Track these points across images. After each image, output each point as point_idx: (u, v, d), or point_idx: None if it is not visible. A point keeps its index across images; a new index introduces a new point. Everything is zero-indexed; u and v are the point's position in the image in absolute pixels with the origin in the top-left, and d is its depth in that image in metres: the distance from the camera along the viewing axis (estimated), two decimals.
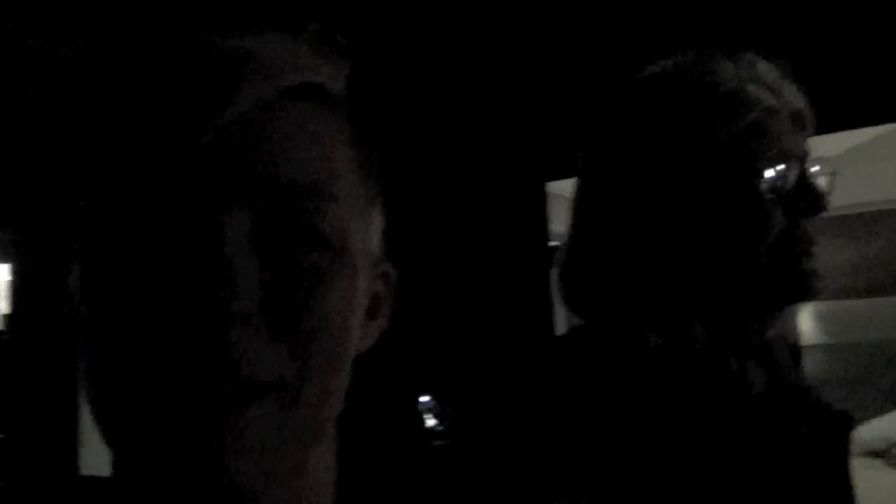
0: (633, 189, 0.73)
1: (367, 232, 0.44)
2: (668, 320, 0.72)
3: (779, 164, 0.71)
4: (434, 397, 2.43)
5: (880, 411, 3.27)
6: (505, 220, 2.16)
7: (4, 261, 3.21)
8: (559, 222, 3.69)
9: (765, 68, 0.75)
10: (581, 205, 0.80)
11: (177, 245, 0.36)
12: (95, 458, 2.94)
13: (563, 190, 2.77)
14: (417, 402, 2.24)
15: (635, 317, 0.73)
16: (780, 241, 0.72)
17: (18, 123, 2.45)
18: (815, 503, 0.71)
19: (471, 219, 2.17)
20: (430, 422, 2.37)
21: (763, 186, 0.71)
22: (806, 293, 0.73)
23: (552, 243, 2.13)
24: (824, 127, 0.80)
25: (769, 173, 0.71)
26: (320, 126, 0.40)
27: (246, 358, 0.35)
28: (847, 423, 0.75)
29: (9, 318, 3.04)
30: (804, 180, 0.72)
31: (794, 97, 0.75)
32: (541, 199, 2.15)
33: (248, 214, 0.37)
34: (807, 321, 3.56)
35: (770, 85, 0.73)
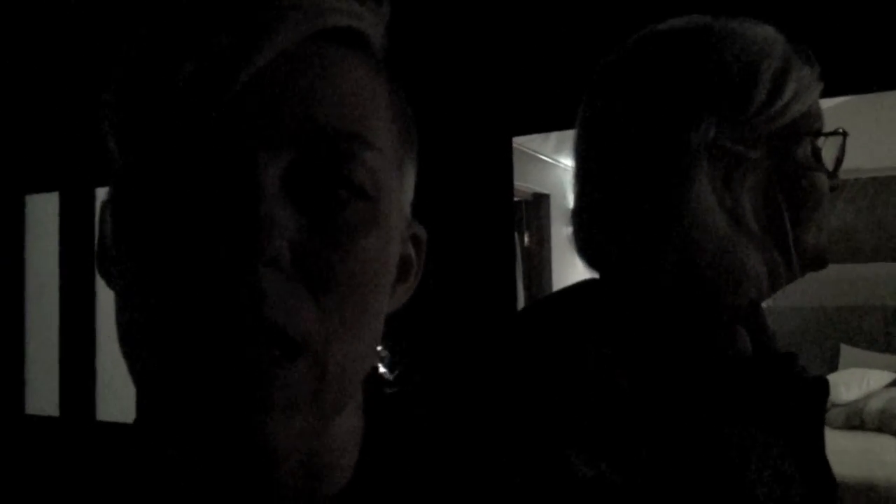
0: (658, 145, 0.70)
1: (402, 190, 0.44)
2: (686, 282, 0.70)
3: (821, 133, 0.72)
4: (385, 347, 2.41)
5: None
6: (471, 174, 2.22)
7: None
8: (522, 178, 3.36)
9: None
10: (593, 155, 0.76)
11: (211, 187, 0.35)
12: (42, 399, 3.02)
13: (522, 145, 3.54)
14: None
15: (650, 272, 0.71)
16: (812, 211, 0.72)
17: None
18: (795, 464, 0.72)
19: (435, 173, 2.26)
20: (382, 370, 2.35)
21: (811, 160, 0.72)
22: (822, 264, 0.75)
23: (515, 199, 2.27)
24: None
25: (818, 142, 0.72)
26: (360, 73, 0.39)
27: (277, 308, 0.34)
28: (824, 388, 0.75)
29: None
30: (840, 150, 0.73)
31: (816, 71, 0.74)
32: (506, 154, 2.26)
33: (284, 158, 0.36)
34: None
35: (797, 58, 0.72)
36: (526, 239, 4.37)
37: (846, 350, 5.14)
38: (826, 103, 0.76)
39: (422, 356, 2.26)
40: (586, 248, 0.79)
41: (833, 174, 0.74)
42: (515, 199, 2.90)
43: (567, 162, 4.52)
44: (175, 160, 0.36)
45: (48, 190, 3.23)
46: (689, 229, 0.69)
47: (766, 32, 0.72)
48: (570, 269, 4.50)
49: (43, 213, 3.30)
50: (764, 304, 0.83)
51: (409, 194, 0.46)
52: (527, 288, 4.20)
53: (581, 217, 0.79)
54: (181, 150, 0.36)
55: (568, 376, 0.65)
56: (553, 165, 4.41)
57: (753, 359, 0.77)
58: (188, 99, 0.35)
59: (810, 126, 0.72)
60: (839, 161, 0.74)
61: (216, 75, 0.35)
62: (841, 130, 0.74)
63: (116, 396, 3.05)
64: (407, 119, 0.45)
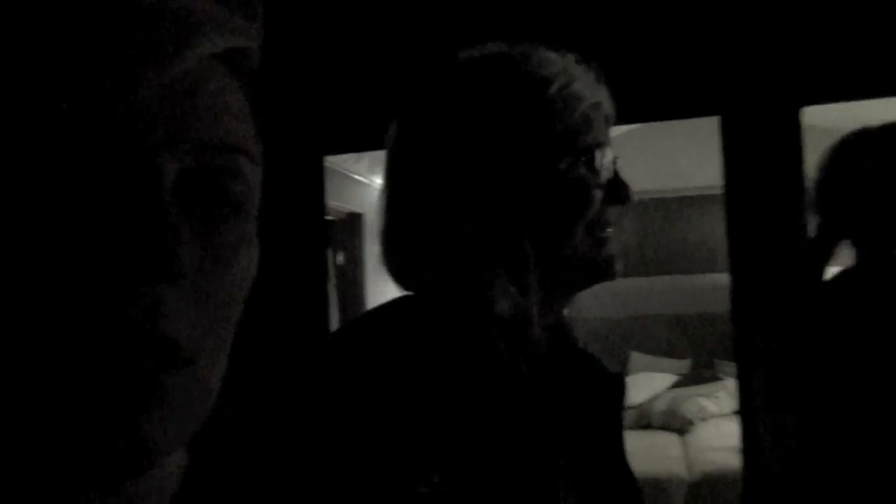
0: (454, 167, 0.75)
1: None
2: (486, 291, 0.75)
3: (602, 155, 0.77)
4: None
5: None
6: (282, 193, 2.19)
7: None
8: (336, 197, 3.44)
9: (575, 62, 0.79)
10: (400, 178, 0.82)
11: (107, 190, 0.33)
12: None
13: (336, 164, 3.51)
14: None
15: (457, 287, 0.76)
16: (595, 226, 0.77)
17: None
18: (596, 455, 0.77)
19: None
20: None
21: (587, 174, 0.76)
22: (610, 275, 0.79)
23: (328, 217, 2.27)
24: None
25: (594, 163, 0.76)
26: (239, 90, 0.41)
27: (175, 322, 0.34)
28: (621, 384, 0.81)
29: None
30: (617, 171, 0.79)
31: (602, 92, 0.80)
32: (318, 174, 2.26)
33: (178, 165, 0.35)
34: None
35: (589, 79, 0.78)
36: (340, 258, 4.37)
37: (635, 356, 5.60)
38: (616, 130, 0.82)
39: (232, 379, 2.20)
40: (396, 268, 0.83)
41: (614, 193, 0.78)
42: (329, 218, 2.92)
43: (380, 182, 4.57)
44: (68, 159, 0.33)
45: None
46: (471, 249, 0.75)
47: (557, 58, 0.78)
48: (385, 288, 4.55)
49: None
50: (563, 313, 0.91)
51: None
52: (341, 306, 4.21)
53: (391, 237, 0.83)
54: (73, 150, 0.33)
55: (389, 390, 0.67)
56: (367, 185, 4.46)
57: (552, 358, 0.81)
58: (93, 95, 0.33)
59: (585, 142, 0.77)
60: (612, 174, 0.79)
61: (126, 78, 0.34)
62: (605, 145, 0.79)
63: None
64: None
